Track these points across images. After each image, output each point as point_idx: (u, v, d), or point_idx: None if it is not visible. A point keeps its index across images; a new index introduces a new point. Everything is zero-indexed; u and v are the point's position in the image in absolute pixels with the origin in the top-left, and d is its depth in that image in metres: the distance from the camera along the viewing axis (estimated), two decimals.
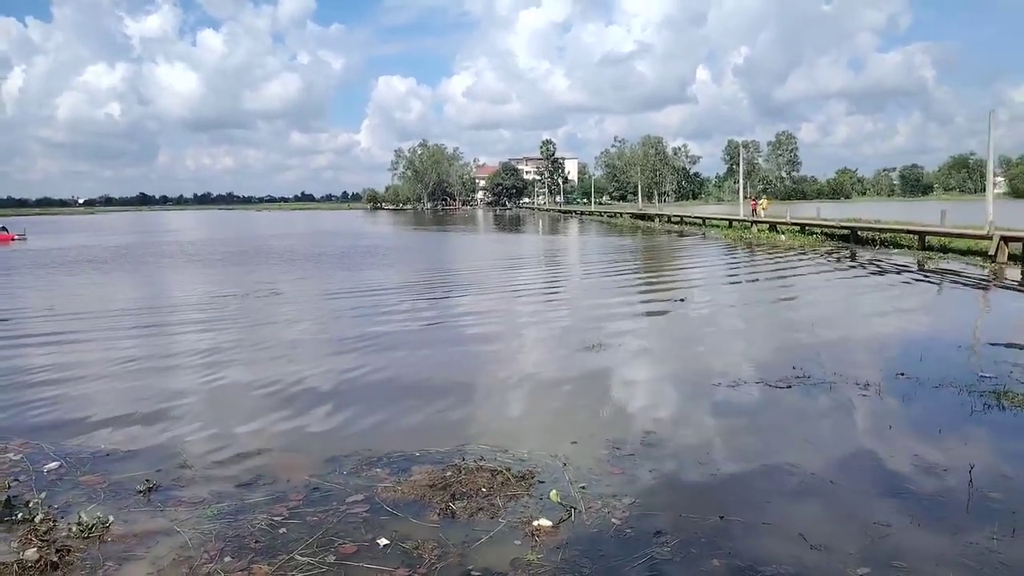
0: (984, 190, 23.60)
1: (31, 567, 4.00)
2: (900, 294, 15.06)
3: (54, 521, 4.57)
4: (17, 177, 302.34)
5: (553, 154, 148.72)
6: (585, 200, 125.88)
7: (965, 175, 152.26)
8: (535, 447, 5.83)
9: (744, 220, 40.71)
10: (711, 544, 4.15)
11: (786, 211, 41.87)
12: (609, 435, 6.12)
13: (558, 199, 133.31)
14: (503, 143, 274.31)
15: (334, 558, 4.07)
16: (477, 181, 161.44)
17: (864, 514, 4.53)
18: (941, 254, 22.53)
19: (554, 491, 4.86)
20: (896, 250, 24.77)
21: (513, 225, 67.14)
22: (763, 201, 50.52)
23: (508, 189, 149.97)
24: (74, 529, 4.38)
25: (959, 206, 49.82)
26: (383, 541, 4.25)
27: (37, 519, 4.56)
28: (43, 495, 4.97)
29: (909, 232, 25.84)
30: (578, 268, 24.73)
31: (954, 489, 4.89)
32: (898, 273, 18.58)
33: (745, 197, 51.22)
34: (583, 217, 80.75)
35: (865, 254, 24.00)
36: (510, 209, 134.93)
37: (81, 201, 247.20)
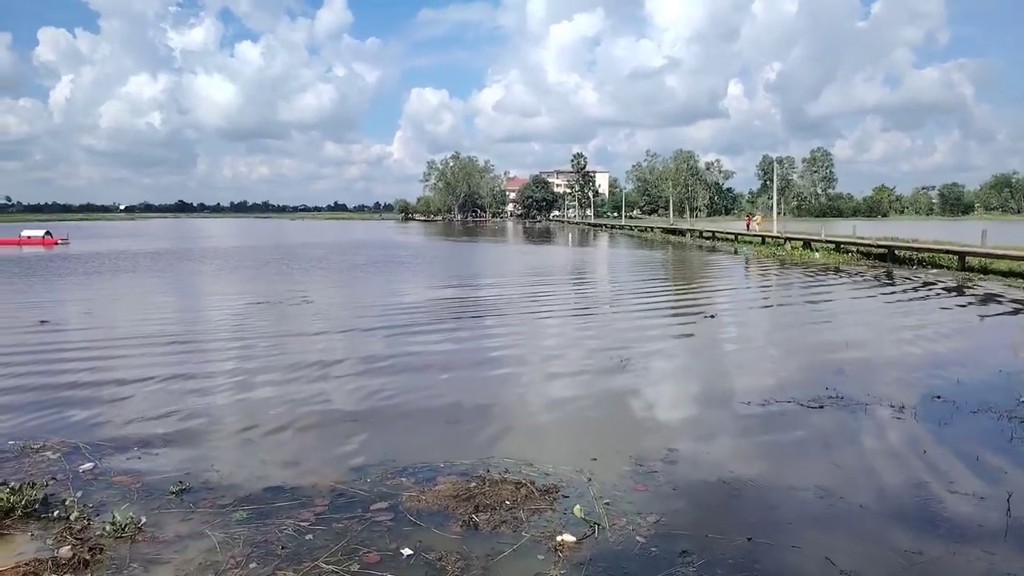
0: None
1: (64, 564, 4.10)
2: (938, 315, 14.71)
3: (88, 520, 4.68)
4: (62, 183, 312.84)
5: (584, 167, 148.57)
6: (615, 214, 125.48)
7: (1008, 194, 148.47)
8: (560, 461, 5.81)
9: (778, 237, 40.19)
10: (738, 566, 4.09)
11: (820, 228, 41.22)
12: (636, 452, 6.08)
13: (588, 213, 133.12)
14: (533, 156, 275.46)
15: (358, 567, 4.10)
16: (507, 193, 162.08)
17: (895, 540, 4.43)
18: (981, 275, 21.97)
19: (578, 506, 4.83)
20: (934, 270, 24.22)
21: (543, 237, 67.19)
22: (757, 217, 55.98)
23: (538, 202, 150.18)
24: (108, 528, 4.48)
25: (1001, 226, 48.61)
26: (407, 551, 4.27)
27: (72, 517, 4.67)
28: (79, 494, 5.11)
29: (948, 252, 25.25)
30: (607, 282, 24.64)
31: (991, 517, 4.76)
32: (936, 294, 18.16)
33: (779, 213, 50.89)
34: (613, 231, 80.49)
35: (902, 274, 23.51)
36: (540, 222, 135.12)
37: (122, 207, 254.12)
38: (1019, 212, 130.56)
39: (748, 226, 51.15)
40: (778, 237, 40.21)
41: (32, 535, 4.51)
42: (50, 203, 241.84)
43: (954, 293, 18.32)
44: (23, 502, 4.78)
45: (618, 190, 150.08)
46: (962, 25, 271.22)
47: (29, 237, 49.82)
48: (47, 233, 51.42)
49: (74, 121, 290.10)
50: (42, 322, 14.06)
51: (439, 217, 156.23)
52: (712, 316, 14.71)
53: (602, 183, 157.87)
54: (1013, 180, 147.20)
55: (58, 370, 9.59)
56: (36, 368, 9.72)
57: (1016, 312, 15.22)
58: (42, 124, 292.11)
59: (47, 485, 5.23)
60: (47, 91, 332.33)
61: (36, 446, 6.27)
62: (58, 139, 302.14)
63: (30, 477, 5.39)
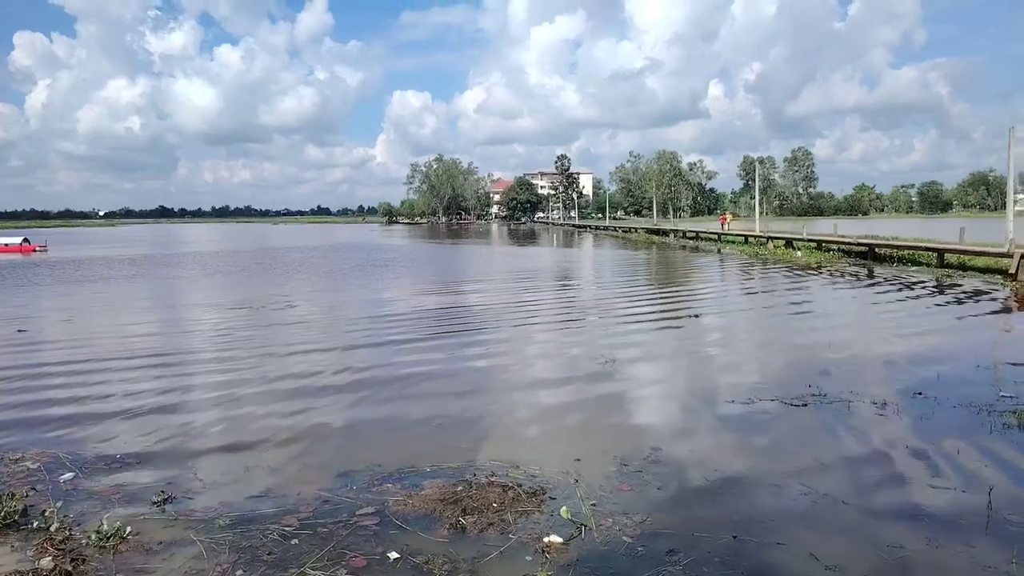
0: (1004, 207, 23.31)
1: (46, 575, 4.04)
2: (918, 312, 14.89)
3: (69, 530, 4.62)
4: (40, 189, 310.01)
5: (567, 169, 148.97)
6: (599, 215, 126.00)
7: (984, 192, 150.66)
8: (547, 463, 5.82)
9: (760, 236, 40.52)
10: (724, 564, 4.12)
11: (802, 227, 41.61)
12: (621, 452, 6.10)
13: (572, 214, 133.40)
14: (516, 158, 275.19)
15: (345, 572, 4.08)
16: (492, 196, 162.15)
17: (878, 535, 4.48)
18: (960, 272, 22.27)
19: (564, 508, 4.84)
20: (914, 267, 24.52)
21: (528, 239, 67.24)
22: (728, 216, 62.95)
23: (523, 204, 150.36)
24: (93, 538, 4.43)
25: (979, 223, 49.31)
26: (393, 555, 4.26)
27: (53, 528, 4.61)
28: (59, 504, 5.04)
29: (927, 249, 25.60)
30: (591, 282, 24.69)
31: (972, 511, 4.82)
32: (916, 291, 18.38)
33: (761, 213, 51.54)
34: (597, 232, 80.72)
35: (883, 271, 23.78)
36: (524, 224, 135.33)
37: (102, 213, 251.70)
38: (996, 209, 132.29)
39: (723, 224, 55.21)
40: (760, 236, 40.55)
41: (12, 547, 4.44)
42: (28, 210, 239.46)
43: (933, 290, 18.56)
44: (2, 513, 4.70)
45: (602, 191, 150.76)
46: (937, 25, 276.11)
47: (6, 245, 49.10)
48: (25, 240, 50.70)
49: (52, 126, 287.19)
50: (20, 331, 13.85)
51: (424, 220, 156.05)
52: (696, 316, 14.79)
53: (586, 184, 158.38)
54: (990, 177, 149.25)
55: (36, 378, 9.46)
56: (13, 377, 9.57)
57: (992, 307, 15.45)
58: (18, 130, 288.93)
59: (27, 496, 5.15)
60: (23, 96, 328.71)
61: (15, 457, 6.18)
62: (35, 145, 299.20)
63: (9, 488, 5.31)
